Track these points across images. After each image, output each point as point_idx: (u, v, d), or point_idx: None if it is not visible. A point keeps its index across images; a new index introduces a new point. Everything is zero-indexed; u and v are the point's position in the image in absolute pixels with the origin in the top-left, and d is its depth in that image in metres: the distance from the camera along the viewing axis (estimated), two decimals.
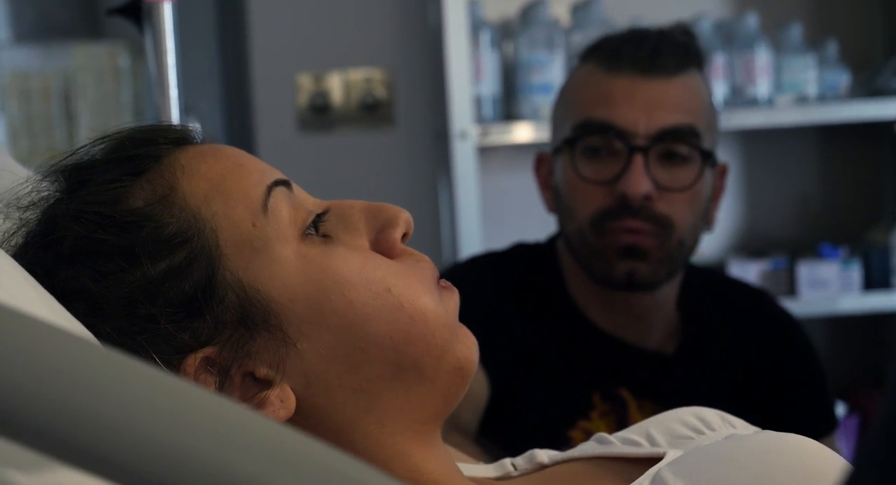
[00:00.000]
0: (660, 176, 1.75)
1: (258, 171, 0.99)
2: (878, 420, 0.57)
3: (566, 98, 1.84)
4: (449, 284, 1.02)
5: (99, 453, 0.59)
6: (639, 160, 1.73)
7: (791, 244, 3.36)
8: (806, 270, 3.18)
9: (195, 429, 0.59)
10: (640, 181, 1.73)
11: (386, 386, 0.96)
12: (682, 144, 1.76)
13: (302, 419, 0.95)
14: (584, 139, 1.77)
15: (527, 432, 1.72)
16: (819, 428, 1.87)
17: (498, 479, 1.08)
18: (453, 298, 1.01)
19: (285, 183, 0.99)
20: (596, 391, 1.79)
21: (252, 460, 0.59)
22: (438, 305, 0.98)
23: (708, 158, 1.78)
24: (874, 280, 3.21)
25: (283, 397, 0.95)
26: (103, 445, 0.59)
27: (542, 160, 1.89)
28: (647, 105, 1.75)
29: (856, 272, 3.19)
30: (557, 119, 1.85)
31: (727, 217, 3.40)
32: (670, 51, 1.78)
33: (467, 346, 1.00)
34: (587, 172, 1.76)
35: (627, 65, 1.76)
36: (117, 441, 0.59)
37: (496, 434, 1.76)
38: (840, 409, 3.15)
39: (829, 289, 3.18)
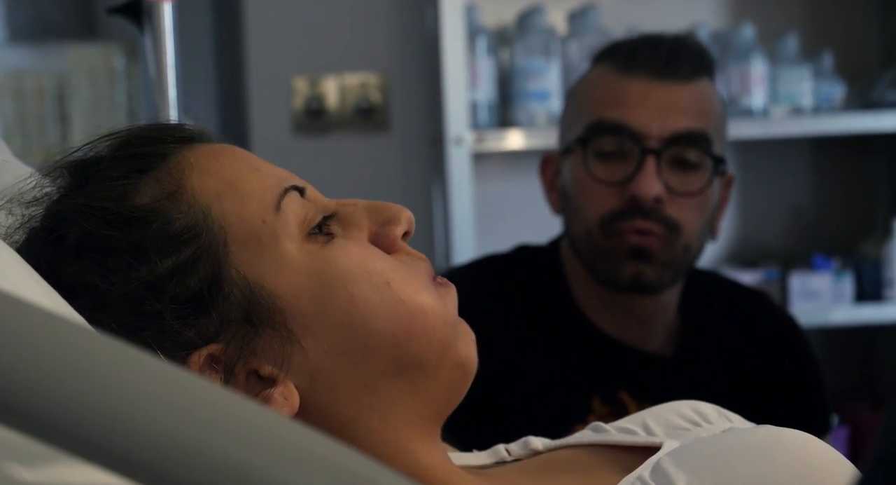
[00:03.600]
0: (671, 180, 1.75)
1: (276, 175, 1.00)
2: (876, 448, 0.56)
3: (577, 99, 1.84)
4: (445, 280, 1.02)
5: (105, 445, 0.59)
6: (651, 163, 1.74)
7: (783, 255, 3.36)
8: (798, 282, 3.18)
9: (203, 422, 0.59)
10: (651, 183, 1.73)
11: (389, 382, 0.96)
12: (694, 150, 1.76)
13: (305, 416, 0.95)
14: (596, 139, 1.77)
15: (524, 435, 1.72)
16: (813, 430, 1.87)
17: (492, 465, 1.08)
18: (451, 294, 1.01)
19: (300, 189, 0.99)
20: (595, 394, 1.79)
21: (260, 454, 0.59)
22: (437, 301, 0.99)
23: (718, 164, 1.78)
24: (866, 292, 3.21)
25: (287, 395, 0.95)
26: (110, 436, 0.59)
27: (549, 161, 1.88)
28: (660, 108, 1.75)
29: (848, 284, 3.19)
30: (567, 120, 1.85)
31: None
32: (685, 57, 1.78)
33: (467, 342, 1.00)
34: (598, 173, 1.76)
35: (642, 68, 1.76)
36: (123, 432, 0.59)
37: (492, 438, 1.76)
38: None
39: (820, 300, 3.18)
